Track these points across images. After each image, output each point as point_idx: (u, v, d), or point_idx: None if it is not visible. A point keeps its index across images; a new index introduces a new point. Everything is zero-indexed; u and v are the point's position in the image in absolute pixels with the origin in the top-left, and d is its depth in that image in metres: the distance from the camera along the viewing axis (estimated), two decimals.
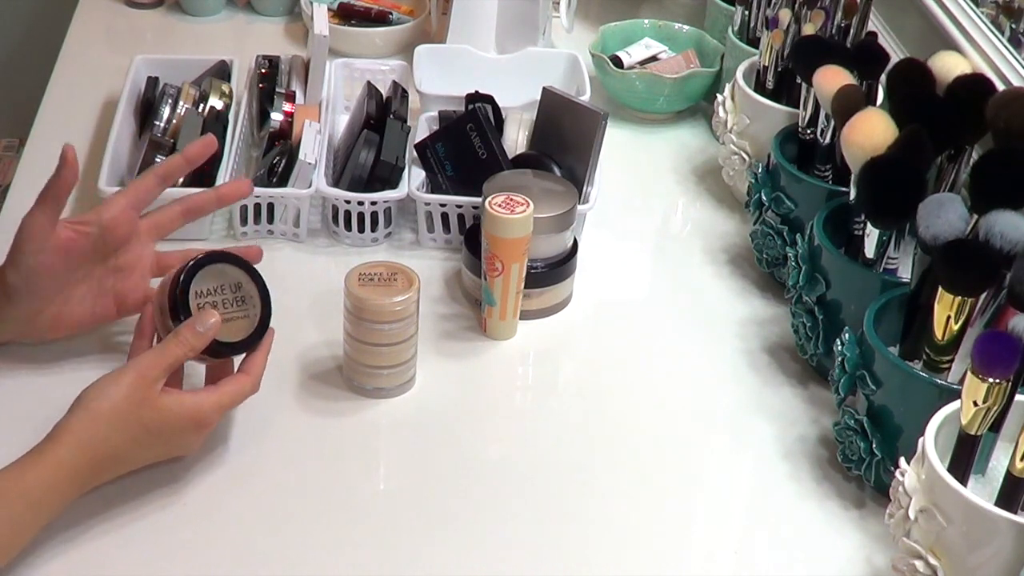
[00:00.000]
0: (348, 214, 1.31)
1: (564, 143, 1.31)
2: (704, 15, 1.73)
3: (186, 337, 0.99)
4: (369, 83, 1.40)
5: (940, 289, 0.97)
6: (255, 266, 1.07)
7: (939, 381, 0.98)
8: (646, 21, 1.71)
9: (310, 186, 1.29)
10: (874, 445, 1.01)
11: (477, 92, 1.38)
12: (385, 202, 1.31)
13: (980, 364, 0.86)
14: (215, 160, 1.31)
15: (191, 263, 1.03)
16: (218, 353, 1.03)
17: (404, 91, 1.42)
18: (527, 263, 1.18)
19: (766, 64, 1.39)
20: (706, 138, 1.58)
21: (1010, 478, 0.87)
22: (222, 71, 1.50)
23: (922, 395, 0.98)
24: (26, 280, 1.06)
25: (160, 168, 1.13)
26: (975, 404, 0.87)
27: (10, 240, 1.31)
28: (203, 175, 1.29)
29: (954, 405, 0.92)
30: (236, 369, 1.05)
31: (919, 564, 0.89)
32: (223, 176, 1.29)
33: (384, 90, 1.41)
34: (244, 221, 1.31)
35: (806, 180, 1.25)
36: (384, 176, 1.30)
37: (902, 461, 0.93)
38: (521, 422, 1.16)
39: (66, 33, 1.75)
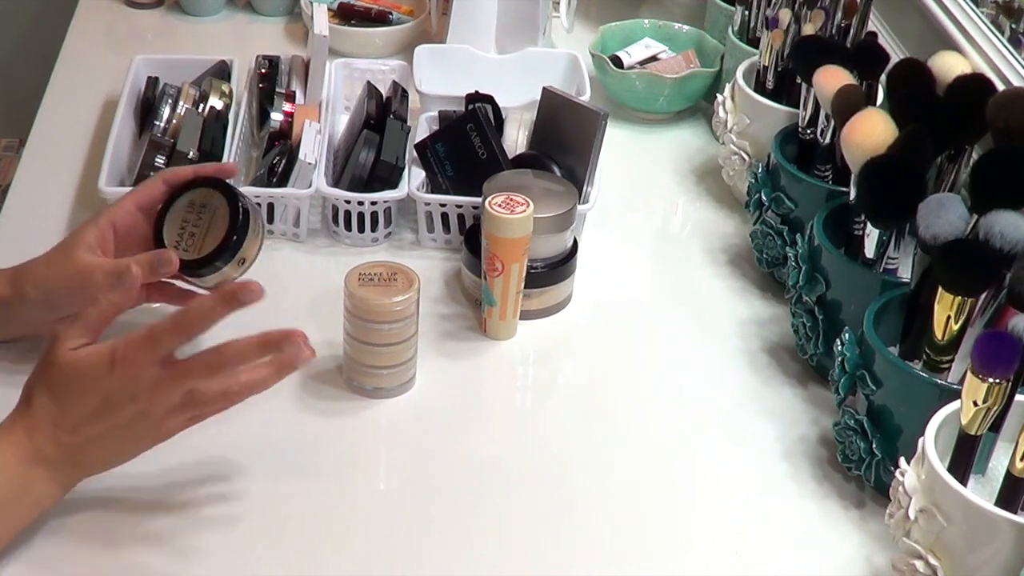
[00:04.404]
0: (348, 214, 1.31)
1: (564, 143, 1.31)
2: (704, 15, 1.73)
3: (102, 293, 0.96)
4: (369, 83, 1.40)
5: (940, 289, 0.97)
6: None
7: (939, 381, 0.98)
8: (646, 21, 1.71)
9: (310, 186, 1.29)
10: (874, 445, 1.01)
11: (477, 92, 1.38)
12: (385, 202, 1.31)
13: (980, 364, 0.86)
14: (215, 160, 1.31)
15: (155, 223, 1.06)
16: (196, 272, 1.05)
17: (404, 91, 1.42)
18: (527, 263, 1.18)
19: (766, 64, 1.39)
20: (706, 138, 1.58)
21: (1010, 478, 0.87)
22: (222, 71, 1.50)
23: (922, 395, 0.98)
24: (45, 294, 1.06)
25: (168, 173, 1.10)
26: (975, 404, 0.87)
27: (10, 240, 1.31)
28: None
29: (954, 405, 0.92)
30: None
31: (919, 564, 0.89)
32: None
33: (384, 90, 1.41)
34: None
35: (806, 180, 1.25)
36: (384, 176, 1.30)
37: (902, 461, 0.93)
38: (521, 422, 1.15)
39: (66, 33, 1.75)
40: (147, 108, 1.42)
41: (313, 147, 1.30)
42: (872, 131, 1.09)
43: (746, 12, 1.54)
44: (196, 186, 1.07)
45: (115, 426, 0.95)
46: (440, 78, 1.50)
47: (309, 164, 1.29)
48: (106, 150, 1.32)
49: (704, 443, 1.13)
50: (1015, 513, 0.86)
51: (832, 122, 1.21)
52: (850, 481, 1.07)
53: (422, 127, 1.39)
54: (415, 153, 1.32)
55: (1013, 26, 1.39)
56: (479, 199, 1.18)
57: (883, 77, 1.25)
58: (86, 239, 1.06)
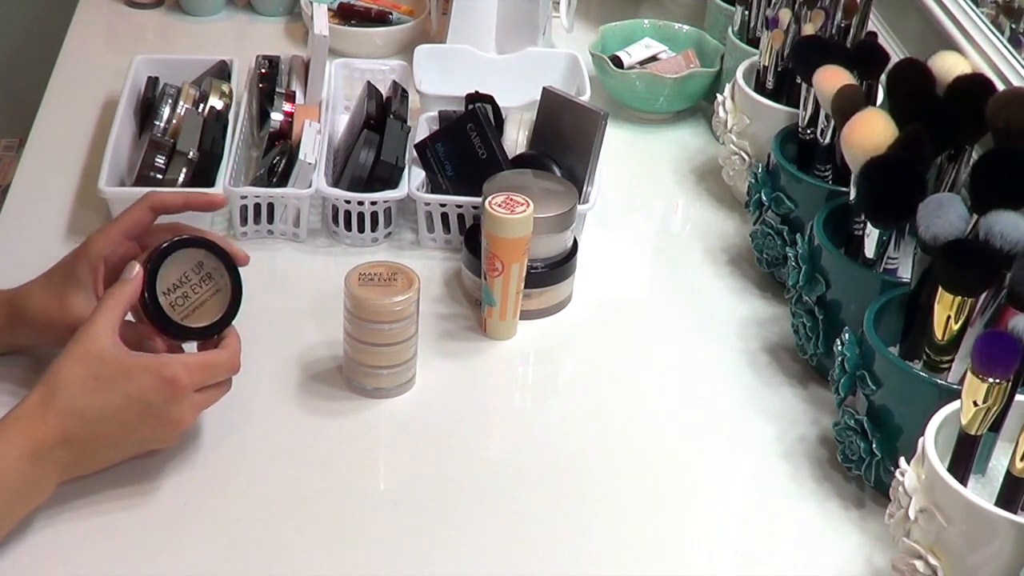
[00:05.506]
0: (348, 214, 1.31)
1: (564, 143, 1.31)
2: (704, 15, 1.73)
3: (119, 289, 0.99)
4: (369, 83, 1.40)
5: (940, 289, 0.97)
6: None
7: (939, 381, 0.98)
8: (646, 21, 1.71)
9: (310, 186, 1.29)
10: (874, 445, 1.01)
11: (477, 92, 1.38)
12: (385, 202, 1.31)
13: (980, 364, 0.86)
14: (215, 160, 1.31)
15: (148, 268, 1.01)
16: (163, 329, 1.02)
17: (404, 91, 1.42)
18: (527, 263, 1.18)
19: (766, 64, 1.39)
20: (706, 138, 1.58)
21: (1010, 478, 0.87)
22: (222, 71, 1.50)
23: (922, 395, 0.98)
24: (38, 331, 1.07)
25: (155, 199, 1.09)
26: (975, 404, 0.87)
27: (10, 240, 1.31)
28: (203, 175, 1.30)
29: (954, 405, 0.92)
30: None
31: (919, 564, 0.89)
32: (223, 176, 1.29)
33: (384, 90, 1.41)
34: (244, 221, 1.31)
35: (806, 180, 1.25)
36: (384, 176, 1.30)
37: (902, 461, 0.93)
38: (521, 422, 1.15)
39: (66, 33, 1.75)
40: (147, 108, 1.42)
41: (313, 147, 1.30)
42: (872, 131, 1.09)
43: (746, 12, 1.54)
44: (216, 252, 1.04)
45: (136, 431, 0.97)
46: (440, 78, 1.50)
47: (309, 164, 1.29)
48: (106, 150, 1.32)
49: (704, 443, 1.13)
50: (1015, 513, 0.86)
51: (832, 122, 1.21)
52: (850, 481, 1.07)
53: (422, 127, 1.39)
54: (415, 153, 1.32)
55: (1013, 26, 1.39)
56: (479, 199, 1.18)
57: (883, 77, 1.25)
58: (80, 279, 1.05)
